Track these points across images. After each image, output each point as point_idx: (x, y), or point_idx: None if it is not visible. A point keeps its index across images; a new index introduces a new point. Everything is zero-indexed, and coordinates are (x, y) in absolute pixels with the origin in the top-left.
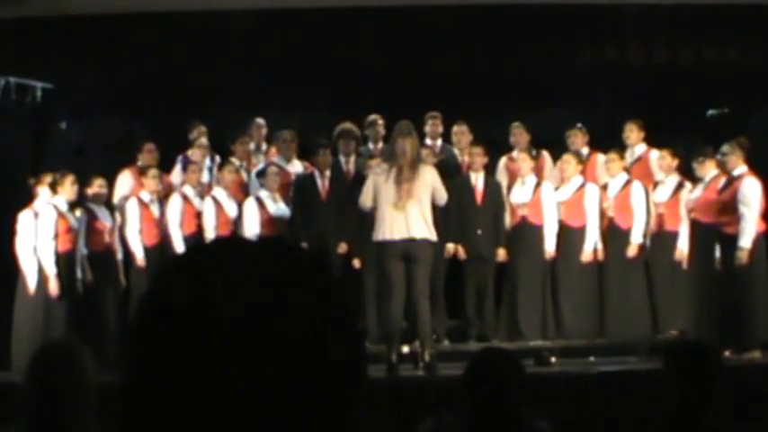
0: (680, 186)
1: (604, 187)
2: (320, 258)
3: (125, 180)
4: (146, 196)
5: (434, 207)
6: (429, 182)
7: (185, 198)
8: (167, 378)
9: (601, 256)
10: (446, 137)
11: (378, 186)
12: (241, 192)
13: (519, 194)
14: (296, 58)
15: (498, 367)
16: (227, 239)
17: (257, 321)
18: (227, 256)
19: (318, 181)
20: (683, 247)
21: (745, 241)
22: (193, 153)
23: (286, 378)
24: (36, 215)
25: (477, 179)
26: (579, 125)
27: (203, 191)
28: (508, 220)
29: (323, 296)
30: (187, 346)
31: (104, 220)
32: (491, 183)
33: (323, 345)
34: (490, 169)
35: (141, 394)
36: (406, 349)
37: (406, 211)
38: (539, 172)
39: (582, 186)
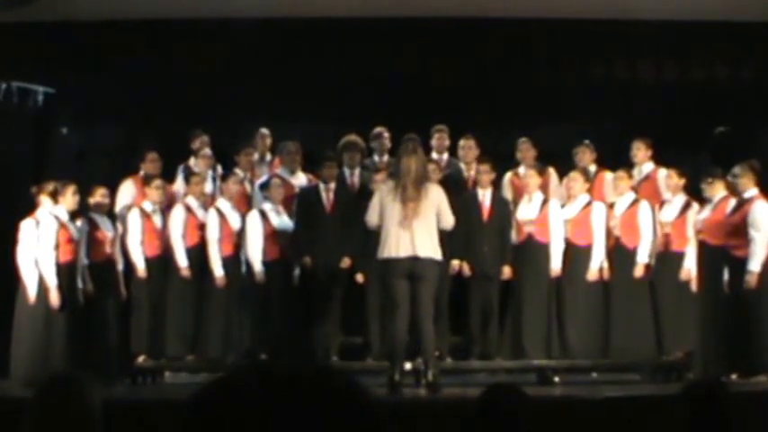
0: (687, 206)
1: (611, 206)
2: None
3: (127, 189)
4: (148, 206)
5: None
6: (435, 200)
7: (188, 209)
8: None
9: (606, 275)
10: (452, 150)
11: (384, 204)
12: (245, 203)
13: (526, 211)
14: (301, 68)
15: (507, 404)
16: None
17: None
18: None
19: (323, 194)
20: (689, 267)
21: (755, 265)
22: (196, 163)
23: None
24: (38, 224)
25: (485, 195)
26: (587, 142)
27: (207, 202)
28: (514, 237)
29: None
30: None
31: (106, 229)
32: (498, 199)
33: None
34: (496, 184)
35: None
36: (408, 366)
37: (412, 230)
38: (544, 188)
39: (588, 204)
